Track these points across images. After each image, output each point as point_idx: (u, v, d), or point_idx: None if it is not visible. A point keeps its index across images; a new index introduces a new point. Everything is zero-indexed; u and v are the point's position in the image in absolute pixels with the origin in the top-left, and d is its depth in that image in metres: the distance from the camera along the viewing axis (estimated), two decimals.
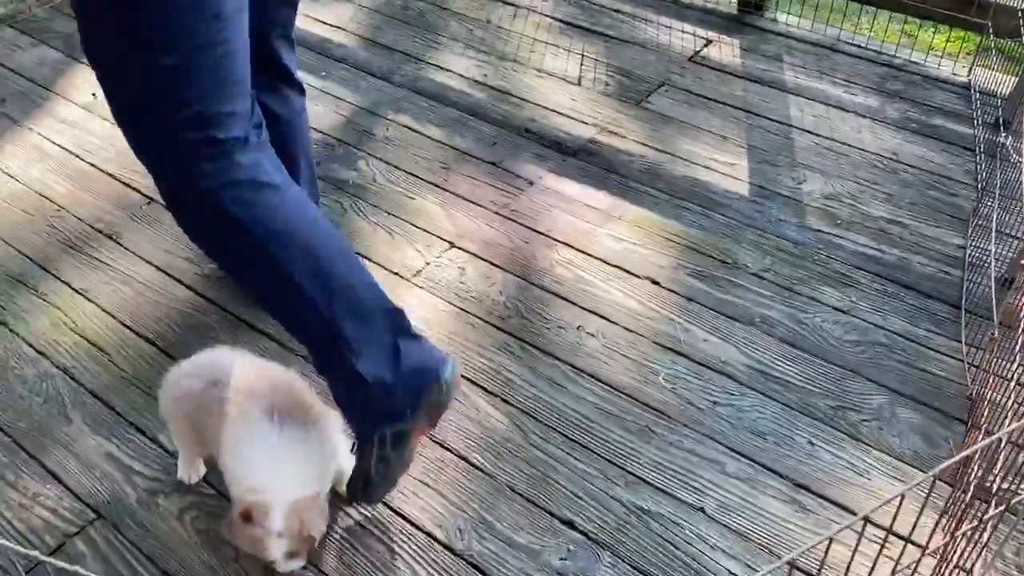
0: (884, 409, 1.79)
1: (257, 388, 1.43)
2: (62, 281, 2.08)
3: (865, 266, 2.12)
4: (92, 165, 2.44)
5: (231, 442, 1.38)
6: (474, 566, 1.52)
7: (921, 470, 1.68)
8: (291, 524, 1.32)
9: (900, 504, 0.93)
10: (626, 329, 1.97)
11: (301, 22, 3.05)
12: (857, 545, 1.02)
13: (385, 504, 1.62)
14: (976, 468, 1.41)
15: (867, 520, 0.84)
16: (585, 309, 2.02)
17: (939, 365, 1.88)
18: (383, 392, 1.39)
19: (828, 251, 2.16)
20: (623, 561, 1.53)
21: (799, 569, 1.51)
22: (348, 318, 1.37)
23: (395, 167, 2.45)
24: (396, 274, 2.11)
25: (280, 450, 1.37)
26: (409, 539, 1.56)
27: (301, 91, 1.85)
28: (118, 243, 2.19)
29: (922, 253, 2.16)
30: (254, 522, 1.32)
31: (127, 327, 1.97)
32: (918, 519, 1.13)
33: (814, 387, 1.84)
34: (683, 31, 3.03)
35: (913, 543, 1.33)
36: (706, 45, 2.95)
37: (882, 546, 1.09)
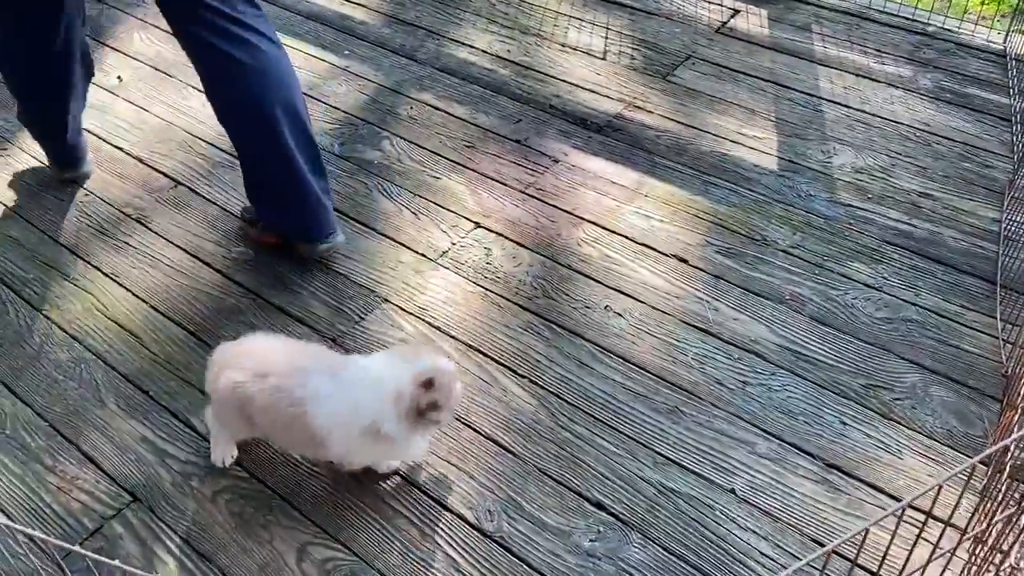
0: (917, 387, 1.77)
1: (307, 363, 1.50)
2: (93, 266, 2.10)
3: (897, 241, 2.09)
4: (119, 149, 2.45)
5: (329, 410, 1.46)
6: (504, 547, 1.53)
7: (955, 449, 1.66)
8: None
9: (939, 491, 0.92)
10: (653, 308, 1.95)
11: (322, 0, 3.03)
12: (896, 530, 1.01)
13: (415, 486, 1.63)
14: (1014, 448, 1.39)
15: (907, 506, 0.83)
16: (612, 288, 2.01)
17: (973, 342, 1.85)
18: None
19: (859, 226, 2.13)
20: (653, 543, 1.53)
21: (837, 554, 1.50)
22: None
23: (419, 146, 2.44)
24: (422, 255, 2.11)
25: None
26: (439, 520, 1.58)
27: (271, 41, 1.87)
28: (147, 227, 2.20)
29: (955, 227, 2.12)
30: (434, 387, 1.43)
31: (158, 311, 1.99)
32: (957, 504, 1.12)
33: (845, 365, 1.82)
34: (709, 2, 2.97)
35: (953, 526, 1.31)
36: (733, 15, 2.90)
37: (921, 530, 1.08)
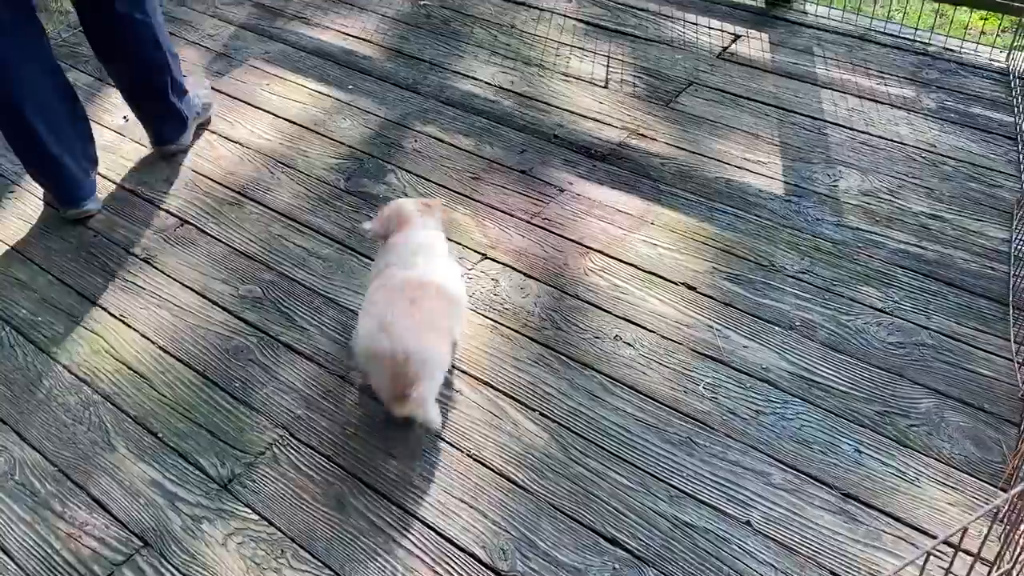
0: (932, 413, 1.75)
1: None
2: (101, 307, 2.10)
3: (906, 264, 2.08)
4: (126, 189, 2.46)
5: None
6: None
7: (973, 476, 1.64)
8: None
9: (963, 534, 0.90)
10: (663, 337, 1.94)
11: (326, 35, 3.06)
12: (924, 565, 0.99)
13: (427, 525, 1.61)
14: None
15: (931, 554, 0.81)
16: (621, 318, 2.00)
17: (987, 365, 1.83)
18: None
19: (868, 250, 2.12)
20: None
21: None
22: None
23: (425, 179, 2.44)
24: None
25: None
26: (452, 561, 1.56)
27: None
28: (154, 266, 2.21)
29: (965, 248, 2.10)
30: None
31: (166, 352, 1.98)
32: (985, 538, 1.10)
33: (859, 392, 1.80)
34: (710, 27, 2.98)
35: (983, 560, 1.29)
36: (734, 41, 2.91)
37: (949, 565, 1.06)
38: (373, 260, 1.94)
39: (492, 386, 1.86)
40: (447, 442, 1.75)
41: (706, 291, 2.04)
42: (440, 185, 2.42)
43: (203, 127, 2.67)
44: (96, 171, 2.40)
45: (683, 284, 2.07)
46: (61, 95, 2.25)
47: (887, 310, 1.97)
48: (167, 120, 2.52)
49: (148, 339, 2.02)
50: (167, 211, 2.38)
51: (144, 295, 2.13)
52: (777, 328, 1.94)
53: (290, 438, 1.78)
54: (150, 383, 1.92)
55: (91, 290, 2.15)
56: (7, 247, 2.29)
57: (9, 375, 1.96)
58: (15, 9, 2.09)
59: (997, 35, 3.18)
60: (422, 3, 3.23)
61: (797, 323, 1.95)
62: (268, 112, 2.72)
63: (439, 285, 1.72)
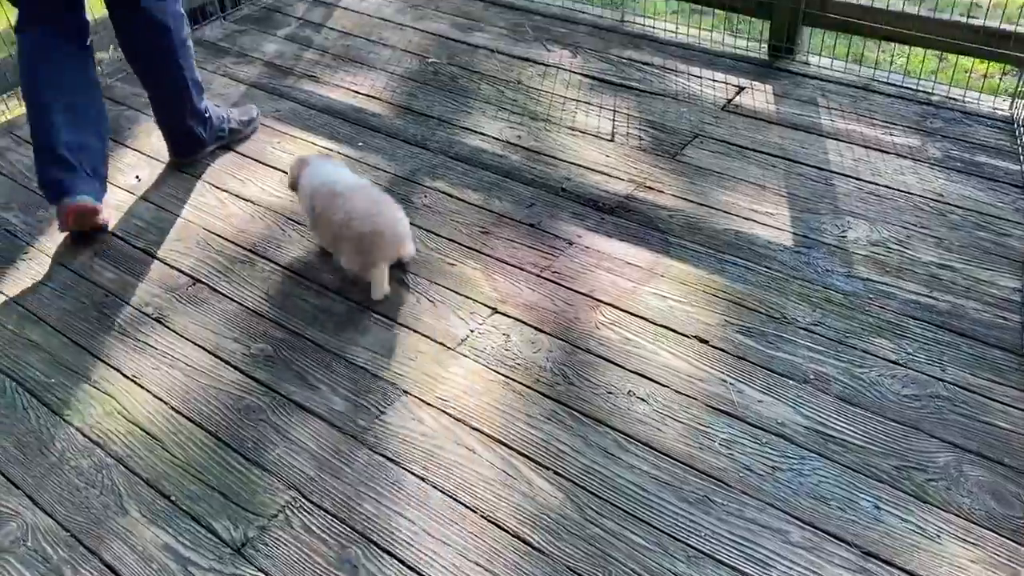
0: (950, 467, 1.73)
1: None
2: (113, 368, 2.11)
3: (918, 315, 2.07)
4: (138, 248, 2.48)
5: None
6: None
7: (995, 532, 1.62)
8: None
9: None
10: (677, 392, 1.93)
11: (336, 93, 3.11)
12: None
13: None
14: None
15: None
16: (634, 372, 1.99)
17: (1004, 417, 1.82)
18: None
19: (879, 300, 2.12)
20: None
21: None
22: None
23: (435, 234, 2.46)
24: (441, 344, 2.10)
25: None
26: None
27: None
28: (166, 326, 2.22)
29: (976, 298, 2.10)
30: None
31: (179, 412, 1.98)
32: None
33: (875, 446, 1.78)
34: (714, 80, 3.02)
35: None
36: (738, 93, 2.95)
37: None
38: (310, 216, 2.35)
39: (505, 444, 1.85)
40: (460, 502, 1.74)
41: (719, 344, 2.04)
42: (450, 239, 2.43)
43: (238, 143, 2.87)
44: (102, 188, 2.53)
45: (695, 337, 2.06)
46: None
47: (901, 362, 1.96)
48: (181, 137, 2.74)
49: (160, 399, 2.02)
50: (179, 270, 2.39)
51: (156, 355, 2.14)
52: (791, 381, 1.93)
53: (303, 500, 1.77)
54: (162, 444, 1.91)
55: (104, 350, 2.16)
56: (21, 308, 2.31)
57: (22, 438, 1.95)
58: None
59: (1000, 79, 3.21)
60: (429, 60, 3.28)
61: (811, 376, 1.94)
62: (279, 170, 2.75)
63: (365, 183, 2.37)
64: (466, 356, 2.07)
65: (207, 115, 2.74)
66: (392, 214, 2.26)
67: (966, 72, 3.22)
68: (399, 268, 2.32)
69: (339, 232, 2.23)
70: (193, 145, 2.76)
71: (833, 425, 1.83)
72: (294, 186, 2.44)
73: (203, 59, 3.36)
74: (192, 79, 2.64)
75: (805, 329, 2.06)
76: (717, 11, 3.31)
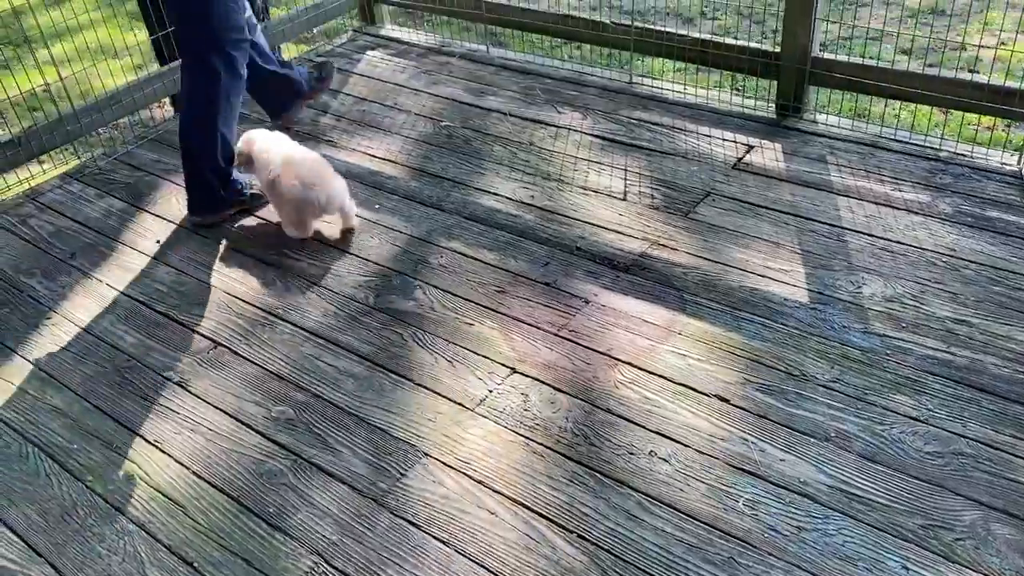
0: (977, 525, 1.72)
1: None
2: (136, 433, 2.12)
3: (936, 370, 2.08)
4: (159, 312, 2.51)
5: None
6: None
7: None
8: None
9: None
10: (699, 452, 1.93)
11: (353, 157, 3.16)
12: None
13: None
14: None
15: None
16: (655, 432, 1.99)
17: None
18: None
19: (897, 356, 2.12)
20: None
21: None
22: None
23: (452, 294, 2.48)
24: (460, 404, 2.11)
25: None
26: None
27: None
28: (187, 390, 2.23)
29: (994, 353, 2.11)
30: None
31: (200, 477, 1.99)
32: None
33: (900, 505, 1.77)
34: (723, 139, 3.07)
35: None
36: (748, 151, 2.99)
37: None
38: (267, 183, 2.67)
39: (527, 507, 1.84)
40: (484, 567, 1.73)
41: (739, 403, 2.04)
42: (467, 299, 2.45)
43: (258, 208, 2.94)
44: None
45: (715, 396, 2.07)
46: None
47: (922, 418, 1.96)
48: (196, 190, 2.83)
49: (182, 464, 2.02)
50: (200, 333, 2.42)
51: (178, 419, 2.15)
52: (813, 440, 1.93)
53: (325, 565, 1.76)
54: (184, 510, 1.91)
55: (126, 415, 2.17)
56: (44, 374, 2.33)
57: (44, 505, 1.96)
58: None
59: (1006, 130, 3.25)
60: (443, 124, 3.35)
61: (832, 434, 1.94)
62: None
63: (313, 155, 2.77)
64: (485, 417, 2.08)
65: (230, 176, 2.82)
66: (331, 183, 2.67)
67: (971, 125, 3.27)
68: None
69: (286, 195, 2.65)
70: (212, 203, 2.81)
71: (857, 483, 1.82)
72: (248, 161, 2.73)
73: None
74: (224, 138, 2.76)
75: (824, 386, 2.06)
76: (724, 71, 3.38)
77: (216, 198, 2.83)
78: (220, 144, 2.75)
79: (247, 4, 2.82)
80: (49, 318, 2.53)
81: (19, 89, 3.21)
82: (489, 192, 2.92)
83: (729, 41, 3.24)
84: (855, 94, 3.02)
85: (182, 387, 2.25)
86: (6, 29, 5.37)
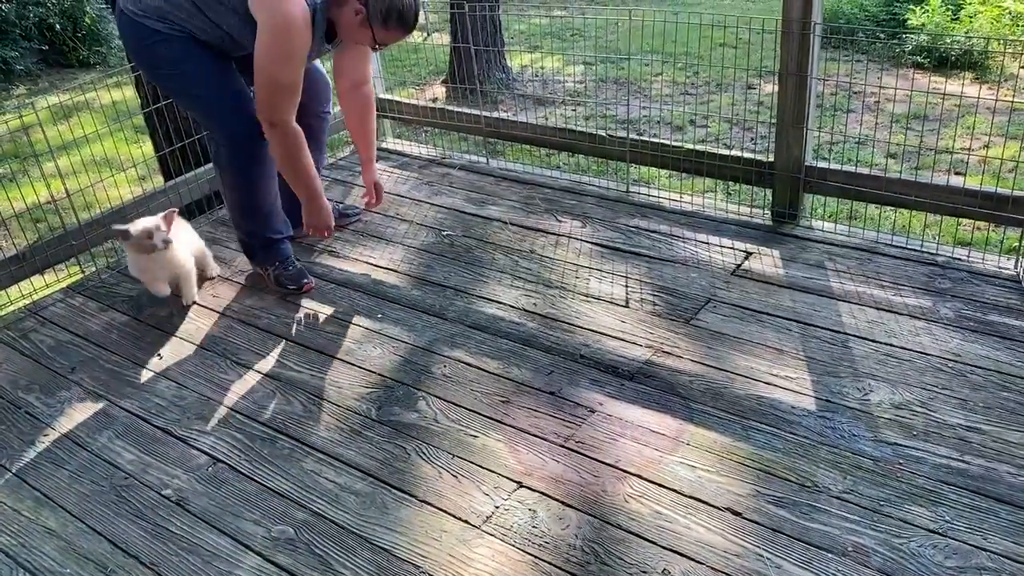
0: None
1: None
2: (131, 555, 2.05)
3: (951, 480, 2.04)
4: (158, 427, 2.47)
5: None
6: None
7: None
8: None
9: None
10: (713, 569, 1.87)
11: (355, 267, 3.19)
12: None
13: None
14: None
15: None
16: (667, 548, 1.94)
17: None
18: None
19: (910, 466, 2.09)
20: None
21: None
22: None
23: (455, 404, 2.46)
24: (465, 522, 2.06)
25: None
26: None
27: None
28: (185, 509, 2.17)
29: (1009, 461, 2.07)
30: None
31: None
32: None
33: None
34: (721, 246, 3.11)
35: None
36: (747, 258, 3.02)
37: None
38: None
39: None
40: None
41: (751, 516, 1.99)
42: (471, 410, 2.43)
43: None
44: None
45: (727, 509, 2.02)
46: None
47: (940, 531, 1.91)
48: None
49: None
50: (199, 449, 2.37)
51: (175, 540, 2.08)
52: (830, 555, 1.88)
53: None
54: None
55: (121, 537, 2.11)
56: (38, 493, 2.27)
57: None
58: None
59: (1002, 232, 3.30)
60: (445, 233, 3.39)
61: (850, 548, 1.89)
62: (299, 344, 2.78)
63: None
64: (492, 535, 2.02)
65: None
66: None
67: (962, 227, 3.32)
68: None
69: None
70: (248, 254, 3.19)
71: None
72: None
73: (227, 235, 3.48)
74: (243, 205, 3.04)
75: (838, 498, 2.02)
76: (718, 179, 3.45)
77: (247, 250, 3.18)
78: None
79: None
80: (46, 435, 2.49)
81: (25, 203, 3.25)
82: (491, 300, 2.93)
83: (723, 151, 3.32)
84: (850, 201, 3.08)
85: (180, 505, 2.19)
86: (15, 144, 5.49)
